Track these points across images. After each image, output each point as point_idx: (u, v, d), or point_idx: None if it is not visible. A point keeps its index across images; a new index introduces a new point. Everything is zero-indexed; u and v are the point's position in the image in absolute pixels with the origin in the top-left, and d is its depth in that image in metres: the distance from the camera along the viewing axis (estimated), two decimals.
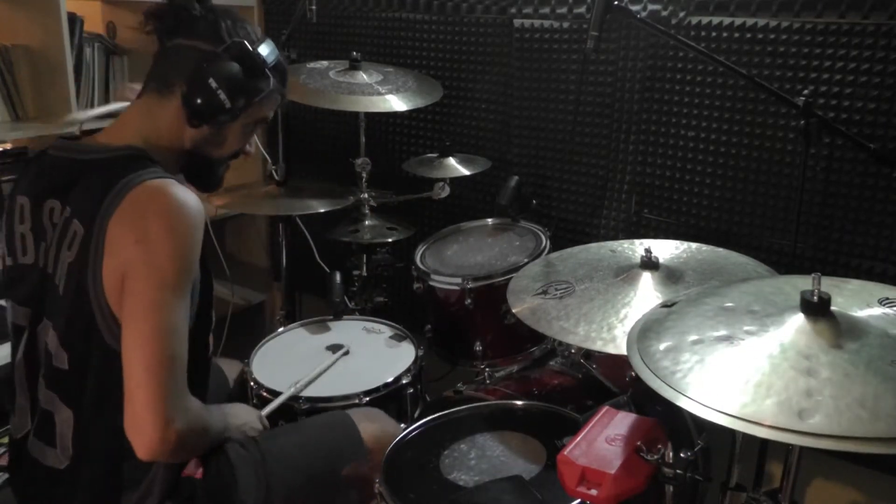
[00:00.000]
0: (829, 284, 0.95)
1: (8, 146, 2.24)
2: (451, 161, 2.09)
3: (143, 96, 1.27)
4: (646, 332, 1.01)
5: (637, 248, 1.53)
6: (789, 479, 1.03)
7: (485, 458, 1.31)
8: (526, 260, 1.72)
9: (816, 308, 0.91)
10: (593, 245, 1.61)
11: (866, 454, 1.52)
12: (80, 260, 1.12)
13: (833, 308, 0.92)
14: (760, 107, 1.71)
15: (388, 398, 1.63)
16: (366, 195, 2.13)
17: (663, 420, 1.06)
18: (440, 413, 1.45)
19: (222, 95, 1.20)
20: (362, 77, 2.05)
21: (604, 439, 1.01)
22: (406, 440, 1.38)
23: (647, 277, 1.36)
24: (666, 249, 1.51)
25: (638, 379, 0.92)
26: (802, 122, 1.37)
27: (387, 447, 1.35)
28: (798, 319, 0.91)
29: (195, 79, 1.20)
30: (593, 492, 0.96)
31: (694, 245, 1.54)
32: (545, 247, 1.80)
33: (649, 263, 1.38)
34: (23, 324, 1.22)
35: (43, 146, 1.28)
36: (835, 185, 1.64)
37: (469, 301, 1.72)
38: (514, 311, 1.40)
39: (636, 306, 1.28)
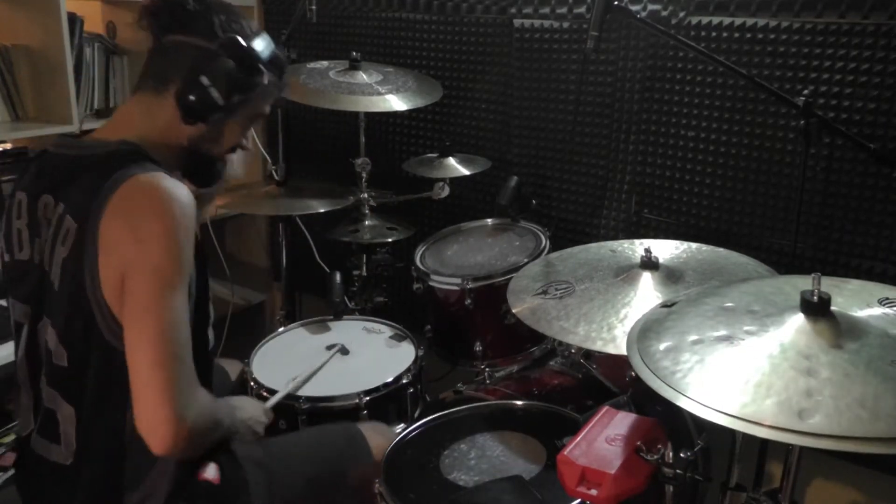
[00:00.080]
0: (829, 284, 0.95)
1: (8, 146, 2.24)
2: (451, 161, 2.09)
3: (139, 93, 1.26)
4: (646, 332, 1.01)
5: (637, 248, 1.53)
6: (789, 479, 1.03)
7: (485, 458, 1.31)
8: (526, 260, 1.72)
9: (816, 308, 0.91)
10: (593, 245, 1.61)
11: (866, 454, 1.53)
12: (73, 256, 1.12)
13: (833, 308, 0.92)
14: (760, 107, 1.71)
15: (388, 398, 1.63)
16: (366, 195, 2.13)
17: (663, 420, 1.06)
18: (440, 413, 1.45)
19: (215, 93, 1.19)
20: (362, 77, 2.06)
21: (604, 439, 1.01)
22: (406, 440, 1.38)
23: (647, 277, 1.36)
24: (666, 249, 1.51)
25: (638, 379, 0.92)
26: (802, 122, 1.37)
27: None
28: (798, 319, 0.91)
29: (188, 76, 1.19)
30: (593, 492, 0.96)
31: (694, 245, 1.54)
32: (545, 247, 1.80)
33: (649, 263, 1.38)
34: (23, 321, 1.22)
35: (44, 146, 1.27)
36: (835, 185, 1.64)
37: (469, 301, 1.72)
38: (514, 311, 1.40)
39: (636, 306, 1.28)
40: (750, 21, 1.68)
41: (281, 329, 1.91)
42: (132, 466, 1.17)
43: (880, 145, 1.55)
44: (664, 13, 1.80)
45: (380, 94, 1.99)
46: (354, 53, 2.08)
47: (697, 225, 1.86)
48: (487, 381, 1.72)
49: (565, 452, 0.99)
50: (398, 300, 2.25)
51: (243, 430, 1.34)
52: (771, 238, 1.75)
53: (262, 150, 2.52)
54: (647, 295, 1.31)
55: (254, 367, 1.71)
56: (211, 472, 1.24)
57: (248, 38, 1.24)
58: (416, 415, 1.70)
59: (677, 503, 1.09)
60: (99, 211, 1.09)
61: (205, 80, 1.19)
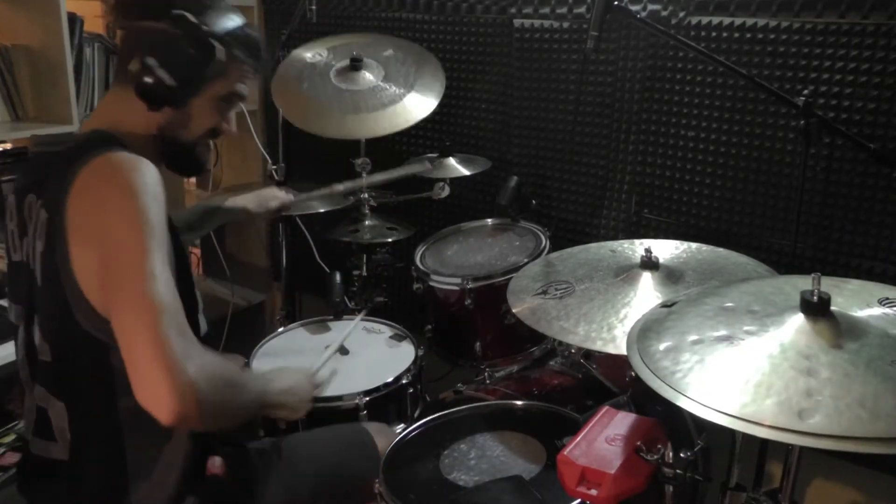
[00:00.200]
0: (829, 284, 0.95)
1: (8, 146, 2.24)
2: (451, 161, 2.09)
3: (114, 85, 1.26)
4: (646, 332, 1.01)
5: (637, 248, 1.53)
6: (789, 479, 1.03)
7: (485, 458, 1.31)
8: (526, 260, 1.72)
9: (816, 308, 0.91)
10: (593, 245, 1.61)
11: (866, 454, 1.52)
12: (48, 248, 1.11)
13: (833, 308, 0.92)
14: (760, 107, 1.71)
15: (388, 398, 1.63)
16: (366, 195, 2.13)
17: (663, 420, 1.06)
18: (440, 413, 1.45)
19: (163, 73, 1.16)
20: (365, 77, 2.04)
21: (604, 439, 1.01)
22: (406, 440, 1.38)
23: (647, 277, 1.36)
24: (666, 249, 1.51)
25: (638, 379, 0.92)
26: (802, 122, 1.37)
27: None
28: (798, 319, 0.91)
29: (140, 60, 1.16)
30: (593, 492, 0.96)
31: (694, 245, 1.54)
32: (545, 247, 1.80)
33: (649, 263, 1.38)
34: (19, 322, 1.22)
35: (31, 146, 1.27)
36: (835, 185, 1.64)
37: (469, 301, 1.72)
38: (514, 311, 1.40)
39: (636, 306, 1.28)
40: (750, 21, 1.68)
41: (281, 329, 1.91)
42: (135, 455, 1.16)
43: (880, 145, 1.55)
44: (664, 13, 1.80)
45: (384, 105, 1.97)
46: (355, 53, 2.07)
47: (697, 225, 1.86)
48: (487, 381, 1.72)
49: (565, 452, 0.99)
50: (398, 300, 2.25)
51: (288, 400, 1.32)
52: (771, 238, 1.75)
53: (263, 150, 2.52)
54: (647, 295, 1.31)
55: (254, 367, 1.70)
56: (217, 465, 1.24)
57: (201, 14, 1.19)
58: (416, 415, 1.70)
59: (677, 503, 1.09)
60: (66, 196, 1.08)
61: (151, 61, 1.15)
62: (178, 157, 1.29)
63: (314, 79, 2.04)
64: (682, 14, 1.78)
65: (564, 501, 1.10)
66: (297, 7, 2.13)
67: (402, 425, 1.63)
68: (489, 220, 2.03)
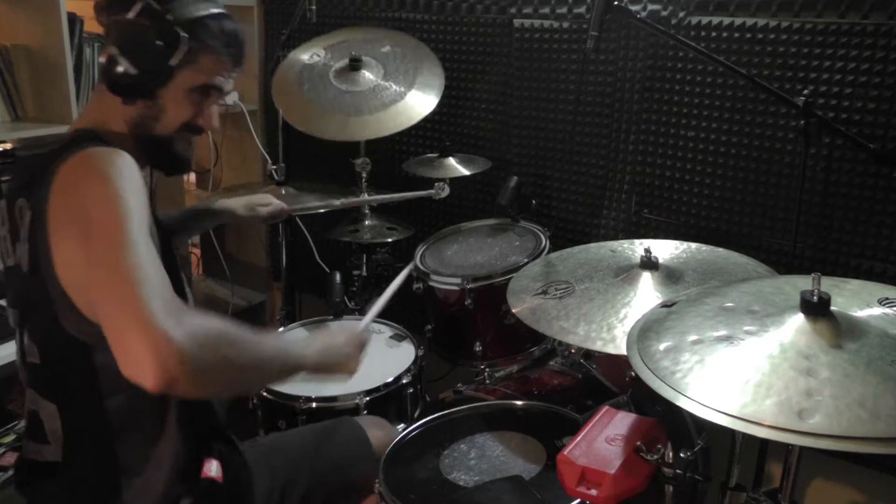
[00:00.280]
0: (829, 284, 0.96)
1: (8, 146, 2.24)
2: (451, 161, 2.09)
3: (98, 84, 1.24)
4: (646, 332, 1.01)
5: (637, 248, 1.53)
6: (789, 479, 1.03)
7: (485, 458, 1.31)
8: (526, 260, 1.72)
9: (816, 308, 0.91)
10: (593, 245, 1.61)
11: (866, 454, 1.52)
12: (31, 247, 1.10)
13: (833, 308, 0.92)
14: (760, 107, 1.71)
15: (388, 398, 1.64)
16: (366, 195, 2.13)
17: (663, 420, 1.06)
18: (440, 413, 1.45)
19: (125, 63, 1.14)
20: (365, 77, 2.04)
21: (604, 439, 1.01)
22: (406, 440, 1.38)
23: (647, 277, 1.36)
24: (666, 249, 1.51)
25: (638, 379, 0.92)
26: (802, 122, 1.37)
27: None
28: (798, 319, 0.91)
29: (107, 52, 1.15)
30: (593, 492, 0.96)
31: (694, 245, 1.54)
32: (545, 247, 1.80)
33: (649, 263, 1.38)
34: (16, 326, 1.21)
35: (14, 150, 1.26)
36: (835, 185, 1.64)
37: (469, 301, 1.72)
38: (514, 311, 1.40)
39: (636, 306, 1.28)
40: (750, 21, 1.68)
41: (281, 329, 1.91)
42: (126, 454, 1.16)
43: (880, 145, 1.55)
44: (664, 13, 1.80)
45: (385, 105, 1.98)
46: (354, 53, 2.07)
47: (697, 225, 1.86)
48: (487, 381, 1.72)
49: (565, 452, 0.99)
50: (398, 300, 2.25)
51: (332, 359, 1.23)
52: (771, 238, 1.75)
53: (263, 150, 2.52)
54: (647, 295, 1.31)
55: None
56: (214, 469, 1.24)
57: (168, 3, 1.17)
58: (416, 415, 1.70)
59: (677, 503, 1.09)
60: (47, 195, 1.07)
61: (115, 51, 1.14)
62: (156, 153, 1.26)
63: (314, 80, 2.04)
64: (682, 14, 1.78)
65: (564, 501, 1.10)
66: (297, 7, 2.13)
67: (402, 425, 1.64)
68: (489, 220, 2.03)
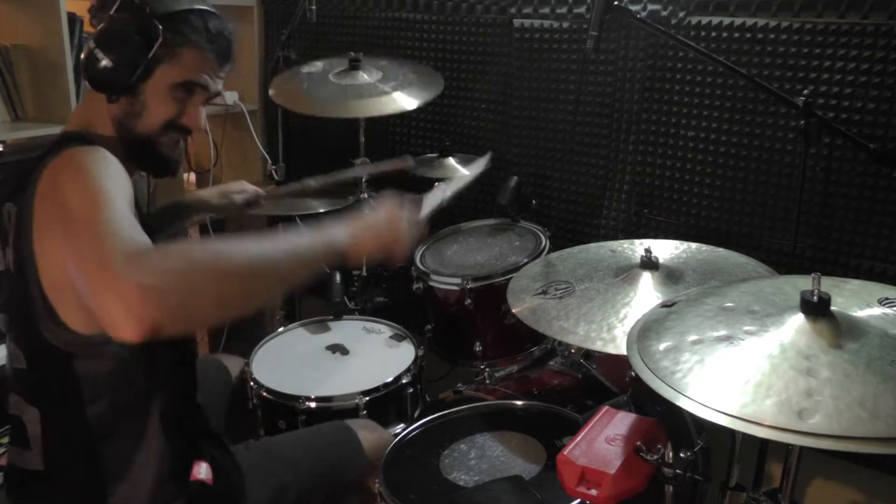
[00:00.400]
0: (829, 284, 0.95)
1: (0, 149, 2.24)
2: (451, 161, 2.09)
3: (86, 85, 1.24)
4: (646, 332, 1.01)
5: (637, 248, 1.53)
6: (789, 479, 1.03)
7: (485, 458, 1.31)
8: (526, 260, 1.72)
9: (816, 308, 0.91)
10: (593, 245, 1.61)
11: (866, 454, 1.52)
12: (17, 248, 1.10)
13: (833, 308, 0.92)
14: (760, 107, 1.71)
15: (388, 398, 1.64)
16: (366, 195, 2.13)
17: (663, 420, 1.06)
18: (440, 413, 1.45)
19: (102, 56, 1.13)
20: (363, 77, 2.05)
21: (604, 439, 1.01)
22: (406, 440, 1.38)
23: (647, 277, 1.36)
24: (666, 249, 1.50)
25: (638, 379, 0.92)
26: (802, 122, 1.37)
27: (383, 455, 1.35)
28: (798, 319, 0.91)
29: (87, 48, 1.15)
30: (593, 492, 0.96)
31: (694, 245, 1.54)
32: (545, 247, 1.80)
33: (649, 263, 1.38)
34: (6, 331, 1.21)
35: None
36: (835, 185, 1.64)
37: (469, 301, 1.72)
38: (514, 311, 1.40)
39: (636, 306, 1.27)
40: (750, 21, 1.68)
41: (281, 329, 1.91)
42: (109, 459, 1.15)
43: (880, 145, 1.55)
44: (664, 13, 1.80)
45: (385, 92, 1.98)
46: (353, 53, 2.07)
47: (697, 225, 1.86)
48: (487, 381, 1.72)
49: (565, 452, 0.99)
50: (398, 300, 2.25)
51: (363, 238, 1.13)
52: (771, 238, 1.75)
53: (263, 150, 2.52)
54: (647, 295, 1.31)
55: (254, 368, 1.70)
56: (203, 471, 1.23)
57: None
58: (416, 415, 1.70)
59: (677, 503, 1.09)
60: (33, 198, 1.06)
61: (92, 44, 1.14)
62: (141, 154, 1.23)
63: (313, 80, 2.05)
64: (682, 14, 1.78)
65: (564, 501, 1.10)
66: (297, 7, 2.13)
67: (402, 425, 1.64)
68: (489, 220, 2.03)
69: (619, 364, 1.58)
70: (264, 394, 1.63)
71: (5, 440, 1.81)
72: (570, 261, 1.53)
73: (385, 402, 1.63)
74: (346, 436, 1.47)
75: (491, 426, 1.40)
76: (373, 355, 1.78)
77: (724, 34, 1.72)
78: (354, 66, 2.06)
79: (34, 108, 2.19)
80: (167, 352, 1.20)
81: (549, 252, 1.75)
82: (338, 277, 1.97)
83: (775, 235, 1.74)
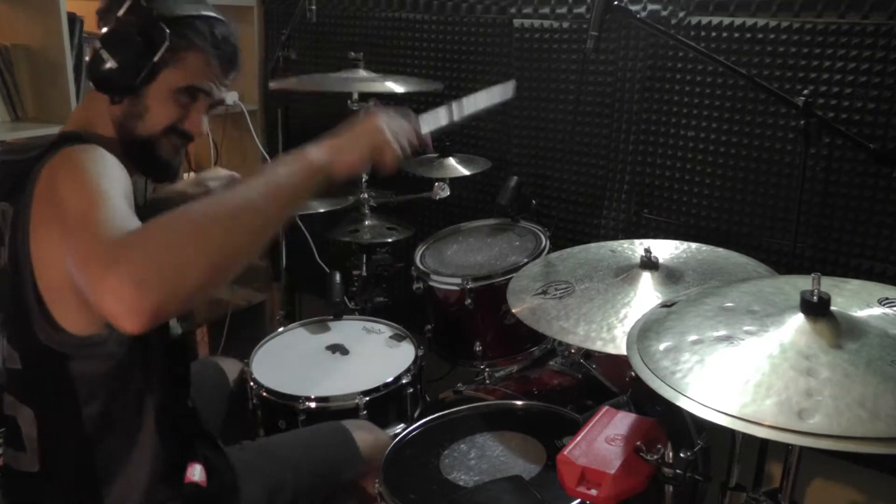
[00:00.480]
0: (829, 284, 0.95)
1: None
2: (451, 161, 2.09)
3: (87, 85, 1.25)
4: (646, 332, 1.01)
5: (637, 248, 1.53)
6: (789, 479, 1.03)
7: (485, 458, 1.31)
8: (526, 260, 1.72)
9: (816, 308, 0.91)
10: (593, 245, 1.61)
11: (866, 454, 1.52)
12: (12, 247, 1.09)
13: (833, 308, 0.92)
14: (760, 107, 1.71)
15: (388, 398, 1.64)
16: (365, 195, 2.13)
17: (663, 420, 1.06)
18: (440, 413, 1.45)
19: (107, 56, 1.13)
20: (361, 73, 2.05)
21: (604, 439, 1.01)
22: (406, 440, 1.38)
23: (646, 277, 1.36)
24: (666, 249, 1.51)
25: (638, 379, 0.92)
26: (802, 122, 1.37)
27: (379, 455, 1.35)
28: (798, 319, 0.91)
29: (92, 49, 1.15)
30: (593, 492, 0.96)
31: (694, 245, 1.54)
32: (545, 247, 1.80)
33: (649, 263, 1.38)
34: (1, 330, 1.21)
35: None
36: (835, 185, 1.64)
37: (469, 301, 1.72)
38: (514, 311, 1.40)
39: (636, 306, 1.27)
40: (750, 21, 1.68)
41: (281, 329, 1.91)
42: (103, 460, 1.15)
43: (880, 145, 1.55)
44: (664, 13, 1.80)
45: (378, 80, 1.99)
46: (352, 54, 2.07)
47: (697, 225, 1.86)
48: (487, 381, 1.72)
49: (565, 452, 0.99)
50: (398, 300, 2.25)
51: (344, 148, 1.08)
52: (771, 238, 1.75)
53: (263, 150, 2.52)
54: (647, 295, 1.31)
55: (254, 368, 1.71)
56: (197, 473, 1.23)
57: (158, 1, 1.16)
58: (416, 415, 1.70)
59: (677, 503, 1.09)
60: (31, 199, 1.06)
61: (98, 44, 1.14)
62: (140, 156, 1.22)
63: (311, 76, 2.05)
64: (682, 14, 1.78)
65: (564, 501, 1.10)
66: (297, 7, 2.14)
67: (402, 425, 1.64)
68: (489, 220, 2.03)
69: (619, 364, 1.58)
70: (264, 394, 1.63)
71: None
72: (570, 261, 1.53)
73: (385, 403, 1.63)
74: (342, 436, 1.47)
75: (491, 426, 1.40)
76: (373, 355, 1.78)
77: (724, 34, 1.72)
78: (355, 65, 2.06)
79: (34, 108, 2.19)
80: (163, 352, 1.20)
81: (549, 252, 1.75)
82: (338, 277, 1.97)
83: (775, 235, 1.74)
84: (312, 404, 1.58)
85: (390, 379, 1.64)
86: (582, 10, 1.95)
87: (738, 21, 1.70)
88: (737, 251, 1.50)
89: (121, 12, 1.15)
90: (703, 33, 1.75)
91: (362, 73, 2.05)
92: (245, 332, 2.65)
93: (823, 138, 1.58)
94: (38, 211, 1.05)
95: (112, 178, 1.04)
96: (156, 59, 1.15)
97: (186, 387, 1.30)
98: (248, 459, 1.35)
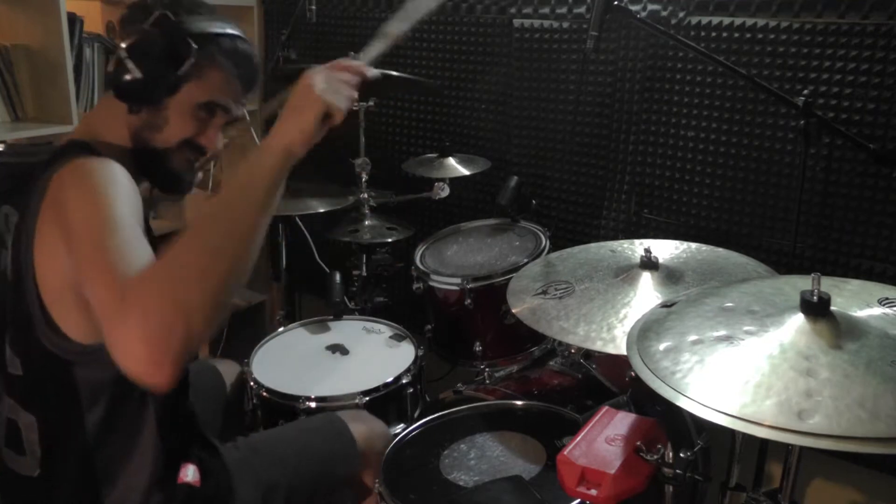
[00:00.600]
0: (828, 284, 0.95)
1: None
2: (451, 161, 2.09)
3: (103, 96, 1.24)
4: (646, 332, 1.01)
5: (637, 248, 1.53)
6: (789, 479, 1.03)
7: (485, 458, 1.31)
8: (526, 260, 1.72)
9: (816, 308, 0.91)
10: (593, 245, 1.61)
11: (866, 454, 1.52)
12: (15, 254, 1.09)
13: (833, 308, 0.92)
14: (760, 107, 1.71)
15: (388, 398, 1.63)
16: (365, 195, 2.13)
17: (663, 420, 1.06)
18: (440, 413, 1.45)
19: (132, 66, 1.13)
20: None
21: (604, 439, 1.01)
22: (406, 440, 1.38)
23: (646, 277, 1.36)
24: (666, 249, 1.50)
25: (638, 379, 0.92)
26: (802, 122, 1.37)
27: (376, 446, 1.35)
28: (798, 319, 0.91)
29: (116, 58, 1.14)
30: (593, 492, 0.96)
31: (694, 245, 1.54)
32: (545, 247, 1.80)
33: (649, 263, 1.38)
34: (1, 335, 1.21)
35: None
36: (835, 185, 1.64)
37: (469, 301, 1.72)
38: (514, 311, 1.40)
39: (636, 306, 1.27)
40: (750, 21, 1.68)
41: (281, 329, 1.91)
42: (104, 463, 1.15)
43: (880, 145, 1.55)
44: (664, 13, 1.80)
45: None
46: (353, 53, 2.07)
47: (697, 225, 1.86)
48: (487, 381, 1.72)
49: (565, 452, 0.99)
50: (398, 300, 2.25)
51: (296, 120, 1.07)
52: (771, 238, 1.75)
53: None
54: (647, 295, 1.31)
55: (254, 368, 1.70)
56: (191, 474, 1.23)
57: (184, 15, 1.17)
58: (415, 415, 1.70)
59: (677, 503, 1.09)
60: (39, 207, 1.06)
61: (123, 54, 1.14)
62: (153, 166, 1.22)
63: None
64: (682, 14, 1.78)
65: (564, 501, 1.10)
66: (297, 7, 2.14)
67: (402, 425, 1.64)
68: (489, 220, 2.03)
69: (619, 364, 1.58)
70: (264, 394, 1.63)
71: None
72: (570, 261, 1.53)
73: (385, 402, 1.63)
74: (337, 428, 1.46)
75: (491, 426, 1.40)
76: (373, 355, 1.78)
77: (724, 34, 1.72)
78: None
79: (34, 108, 2.19)
80: None
81: (549, 252, 1.75)
82: (338, 277, 1.97)
83: (775, 235, 1.75)
84: (312, 404, 1.58)
85: (390, 379, 1.64)
86: (582, 10, 1.95)
87: (737, 21, 1.70)
88: (737, 251, 1.50)
89: (147, 24, 1.16)
90: (702, 33, 1.75)
91: None
92: (245, 331, 2.64)
93: (823, 138, 1.58)
94: (45, 221, 1.05)
95: (123, 196, 1.04)
96: (180, 72, 1.16)
97: (185, 387, 1.30)
98: (242, 457, 1.35)
